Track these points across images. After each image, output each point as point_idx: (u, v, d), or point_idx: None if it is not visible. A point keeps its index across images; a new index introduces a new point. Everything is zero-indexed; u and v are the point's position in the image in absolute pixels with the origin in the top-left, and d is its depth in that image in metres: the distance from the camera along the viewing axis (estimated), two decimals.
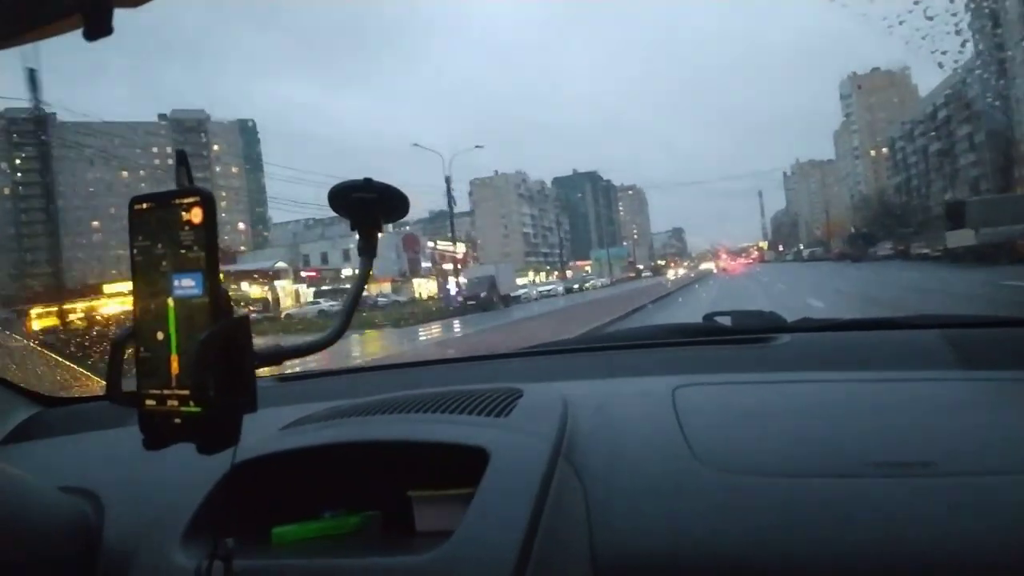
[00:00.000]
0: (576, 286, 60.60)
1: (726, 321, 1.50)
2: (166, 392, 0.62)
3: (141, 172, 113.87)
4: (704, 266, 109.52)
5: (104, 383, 1.73)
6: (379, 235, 0.76)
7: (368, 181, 0.75)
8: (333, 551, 0.81)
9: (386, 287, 50.72)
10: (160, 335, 0.62)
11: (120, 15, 0.57)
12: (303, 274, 51.38)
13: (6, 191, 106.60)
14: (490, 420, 0.95)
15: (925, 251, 34.94)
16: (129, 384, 0.61)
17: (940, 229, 31.40)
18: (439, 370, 1.60)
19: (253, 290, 42.29)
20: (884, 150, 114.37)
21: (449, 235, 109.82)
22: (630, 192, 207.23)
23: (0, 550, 0.82)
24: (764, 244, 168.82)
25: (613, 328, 6.84)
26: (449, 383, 1.13)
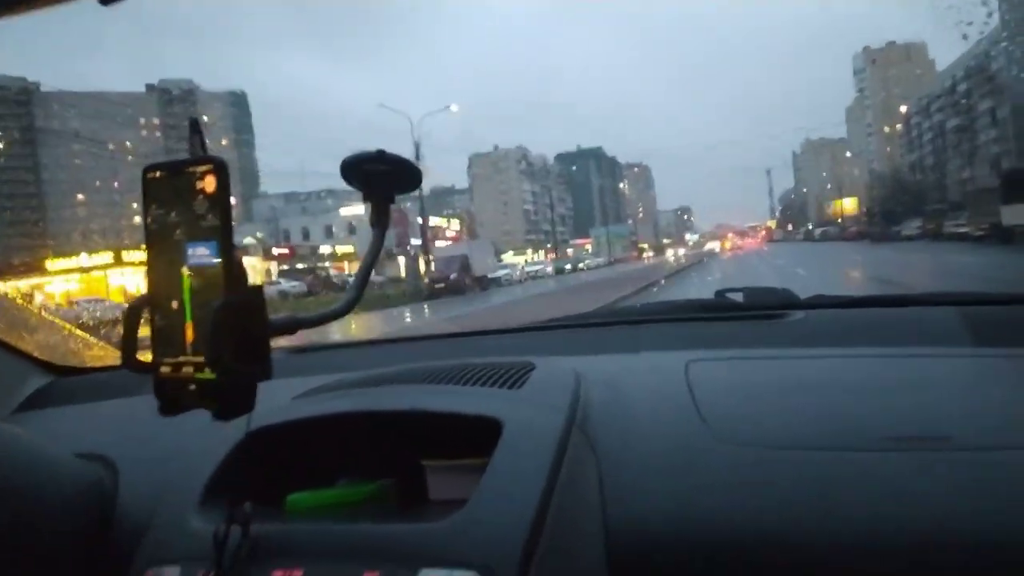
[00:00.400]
0: (568, 267, 55.90)
1: (738, 298, 1.49)
2: (181, 359, 0.63)
3: (127, 143, 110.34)
4: (710, 245, 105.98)
5: (116, 353, 1.66)
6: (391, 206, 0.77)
7: (381, 153, 0.75)
8: (348, 517, 0.82)
9: None
10: (175, 303, 0.63)
11: None
12: (276, 251, 47.63)
13: None
14: (503, 392, 0.95)
15: (963, 229, 31.40)
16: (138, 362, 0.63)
17: (987, 203, 27.37)
18: (449, 343, 1.61)
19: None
20: (899, 126, 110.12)
21: (449, 212, 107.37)
22: (636, 169, 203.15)
23: (17, 514, 0.84)
24: (772, 223, 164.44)
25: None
26: (460, 356, 1.13)
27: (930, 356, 1.04)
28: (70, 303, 32.81)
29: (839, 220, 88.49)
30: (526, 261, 66.58)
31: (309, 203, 64.76)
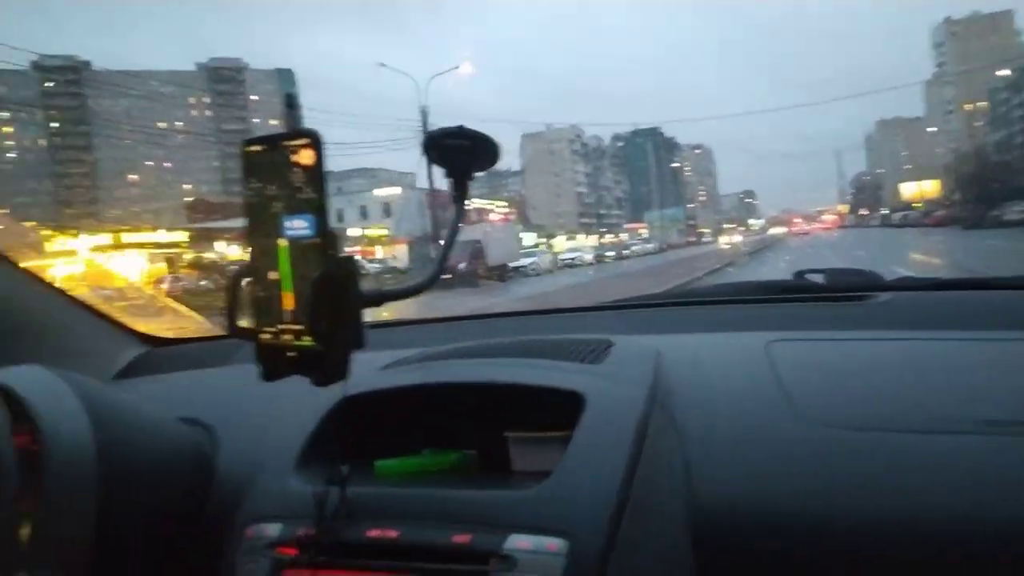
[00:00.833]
0: (609, 254, 48.91)
1: (819, 279, 1.46)
2: (280, 327, 0.66)
3: (178, 123, 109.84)
4: (775, 231, 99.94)
5: (206, 324, 1.75)
6: (470, 182, 0.78)
7: (461, 128, 0.75)
8: (437, 483, 0.84)
9: (403, 248, 42.95)
10: (273, 275, 0.65)
11: None
12: None
13: (41, 142, 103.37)
14: (583, 366, 0.95)
15: None
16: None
17: None
18: (525, 321, 1.59)
19: (230, 251, 35.80)
20: (983, 103, 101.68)
21: (503, 195, 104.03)
22: (697, 151, 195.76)
23: (127, 472, 0.89)
24: (844, 208, 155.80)
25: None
26: (537, 334, 1.14)
27: (1021, 340, 1.01)
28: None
29: (915, 204, 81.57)
30: (541, 247, 61.31)
31: (344, 183, 61.86)
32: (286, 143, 0.63)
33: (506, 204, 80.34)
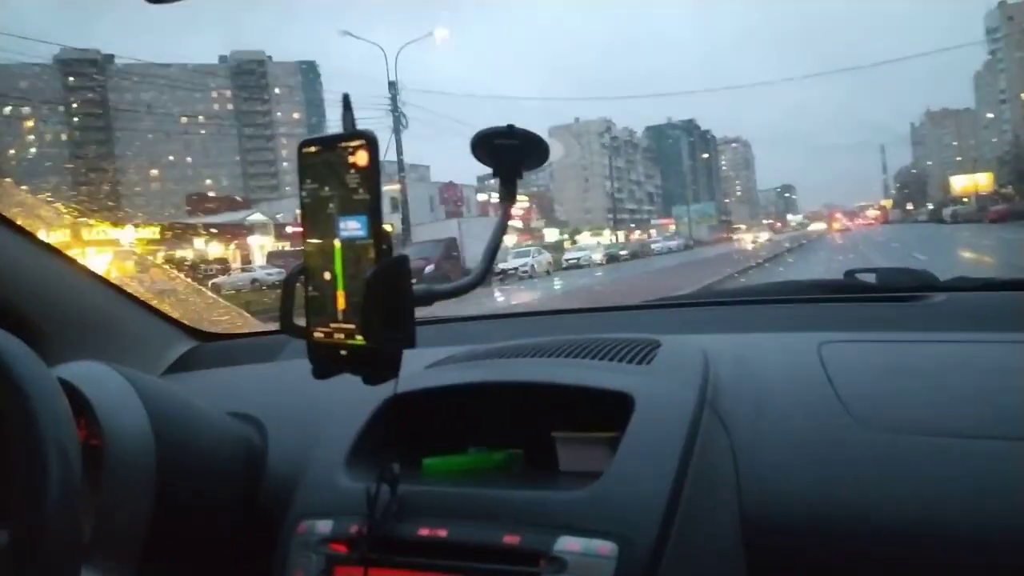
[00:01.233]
0: (623, 252, 42.91)
1: (870, 279, 1.42)
2: (333, 326, 0.67)
3: (200, 118, 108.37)
4: (814, 227, 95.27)
5: (253, 320, 1.85)
6: (519, 180, 0.79)
7: (511, 128, 0.75)
8: (486, 483, 0.83)
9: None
10: (327, 275, 0.67)
11: None
12: (289, 229, 41.82)
13: (63, 137, 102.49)
14: (631, 367, 0.95)
15: None
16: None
17: None
18: (571, 319, 1.60)
19: (212, 248, 32.98)
20: None
21: (531, 190, 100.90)
22: (734, 145, 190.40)
23: (181, 467, 0.90)
24: (888, 202, 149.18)
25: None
26: (583, 332, 1.12)
27: None
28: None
29: (966, 199, 76.09)
30: (604, 242, 56.01)
31: None
32: (342, 144, 0.64)
33: (527, 198, 76.86)
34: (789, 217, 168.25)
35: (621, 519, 0.72)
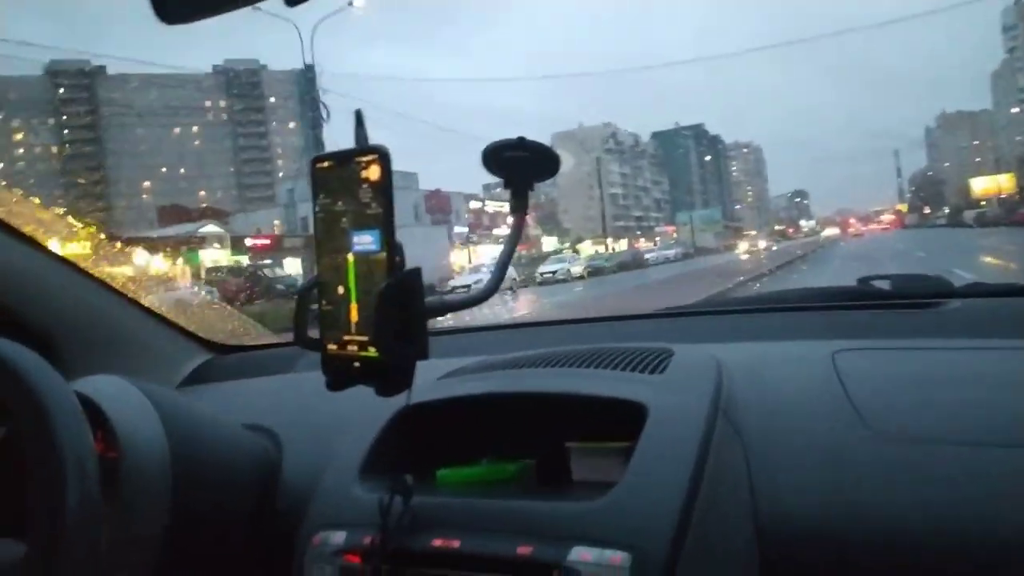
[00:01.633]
0: (600, 264, 37.48)
1: (884, 285, 1.39)
2: (346, 338, 0.68)
3: (194, 128, 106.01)
4: (827, 233, 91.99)
5: (267, 332, 1.88)
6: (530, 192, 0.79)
7: (521, 140, 0.76)
8: (499, 494, 0.83)
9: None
10: (341, 288, 0.68)
11: None
12: (249, 242, 38.77)
13: (54, 149, 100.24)
14: (644, 376, 0.94)
15: None
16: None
17: None
18: (583, 329, 1.62)
19: (153, 263, 29.83)
20: None
21: (539, 199, 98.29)
22: (745, 150, 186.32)
23: (196, 480, 0.91)
24: (903, 206, 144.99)
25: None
26: (595, 341, 1.13)
27: None
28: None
29: (984, 203, 72.27)
30: (611, 249, 51.61)
31: None
32: (356, 159, 0.65)
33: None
34: (802, 223, 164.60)
35: (634, 529, 0.71)
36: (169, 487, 0.88)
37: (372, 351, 0.66)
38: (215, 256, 35.33)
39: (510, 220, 0.81)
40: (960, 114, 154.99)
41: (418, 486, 0.77)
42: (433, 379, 1.07)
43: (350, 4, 28.51)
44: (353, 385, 0.69)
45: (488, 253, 50.10)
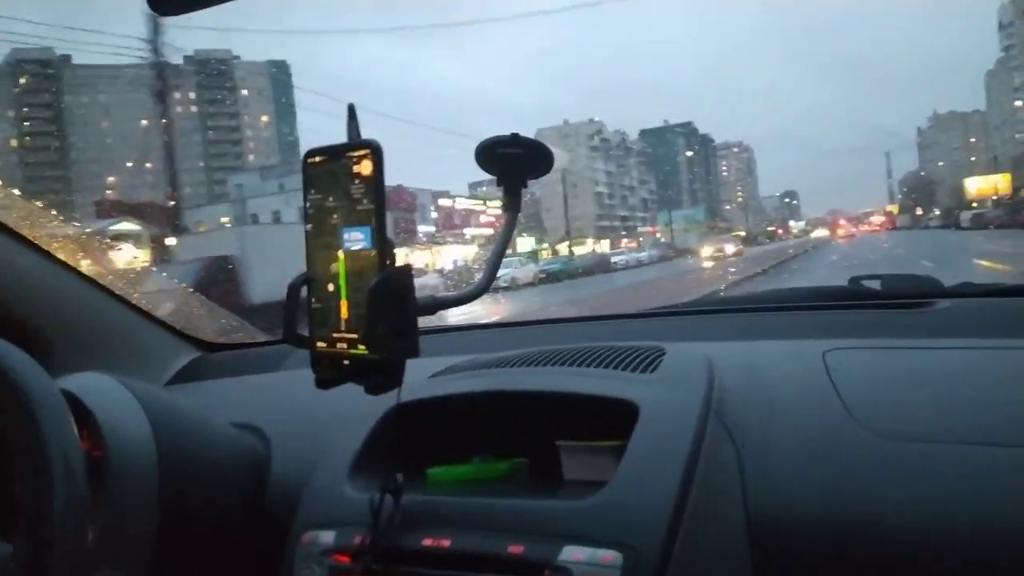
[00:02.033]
0: (556, 268, 33.13)
1: (875, 285, 1.40)
2: (335, 336, 0.67)
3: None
4: (816, 234, 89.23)
5: (256, 331, 1.79)
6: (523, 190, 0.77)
7: (515, 136, 0.75)
8: (490, 493, 0.83)
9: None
10: (331, 285, 0.67)
11: None
12: (170, 241, 34.85)
13: (13, 143, 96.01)
14: (636, 375, 0.94)
15: None
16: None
17: None
18: (575, 327, 1.62)
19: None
20: None
21: (525, 198, 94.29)
22: (735, 150, 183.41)
23: (184, 478, 0.91)
24: (894, 208, 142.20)
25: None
26: (587, 340, 1.12)
27: None
28: None
29: (975, 204, 69.26)
30: (596, 250, 47.35)
31: (288, 179, 52.80)
32: (348, 154, 0.64)
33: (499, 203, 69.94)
34: (791, 223, 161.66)
35: (626, 528, 0.71)
36: (156, 485, 0.87)
37: (362, 349, 0.65)
38: (128, 256, 31.46)
39: (500, 216, 0.80)
40: (952, 114, 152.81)
41: (409, 485, 0.77)
42: (424, 377, 1.06)
43: None
44: (343, 383, 0.69)
45: (453, 254, 46.44)
